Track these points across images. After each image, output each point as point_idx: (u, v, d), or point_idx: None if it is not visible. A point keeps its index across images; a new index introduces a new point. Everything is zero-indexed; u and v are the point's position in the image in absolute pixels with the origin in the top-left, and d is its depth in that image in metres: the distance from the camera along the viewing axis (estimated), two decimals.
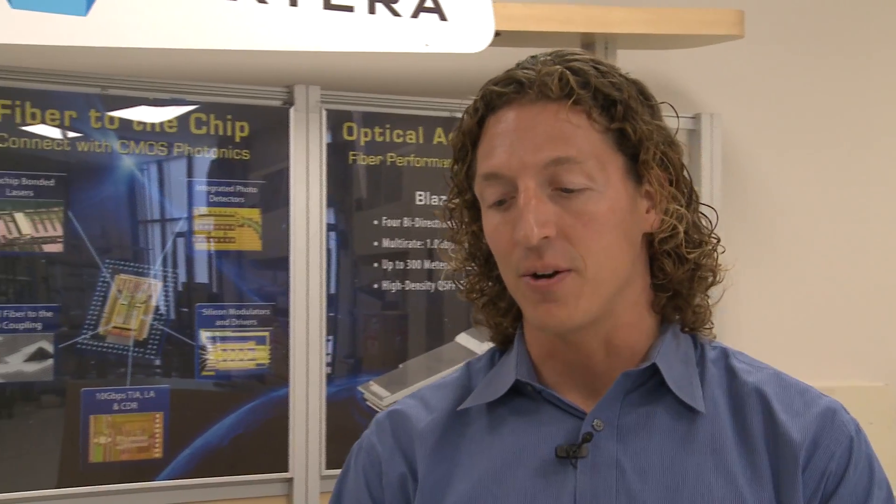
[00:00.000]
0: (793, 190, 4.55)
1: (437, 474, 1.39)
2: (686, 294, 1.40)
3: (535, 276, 1.30)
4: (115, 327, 3.39)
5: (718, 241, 1.41)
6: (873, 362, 4.65)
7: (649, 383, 1.35)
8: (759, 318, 4.42)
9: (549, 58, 1.34)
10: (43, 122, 3.33)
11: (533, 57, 1.36)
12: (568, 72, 1.29)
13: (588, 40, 3.84)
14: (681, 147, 1.39)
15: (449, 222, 1.46)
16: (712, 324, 1.44)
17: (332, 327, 3.69)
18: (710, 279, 1.41)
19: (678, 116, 1.42)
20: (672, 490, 1.30)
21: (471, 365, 1.49)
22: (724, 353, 1.42)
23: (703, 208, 1.43)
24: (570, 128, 1.29)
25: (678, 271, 1.38)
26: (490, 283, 1.44)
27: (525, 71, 1.33)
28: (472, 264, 1.45)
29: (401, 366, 3.78)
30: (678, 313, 1.41)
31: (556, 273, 1.29)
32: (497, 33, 3.49)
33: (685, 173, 1.38)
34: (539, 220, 1.27)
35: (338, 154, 3.71)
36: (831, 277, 4.60)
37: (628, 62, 3.87)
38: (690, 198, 1.39)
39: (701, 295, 1.41)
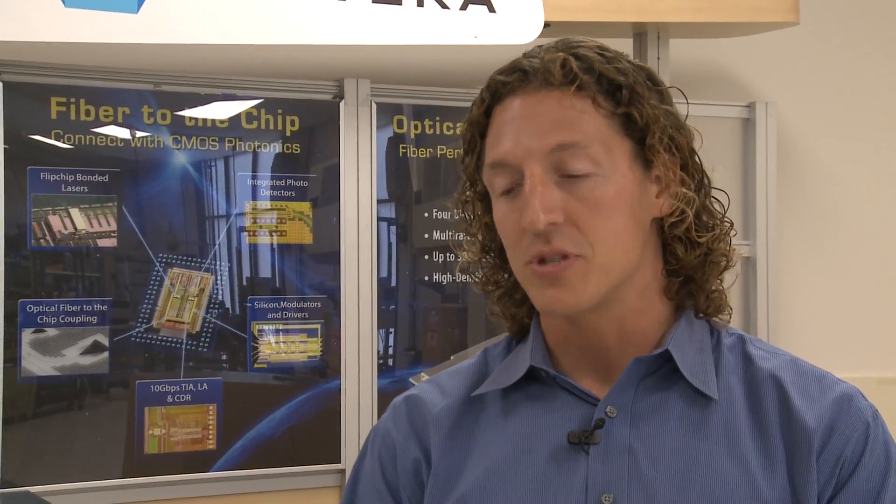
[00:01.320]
0: (850, 180, 4.53)
1: (450, 459, 1.39)
2: (699, 279, 1.39)
3: (542, 261, 1.30)
4: (168, 320, 3.42)
5: (731, 225, 1.40)
6: None
7: (663, 370, 1.35)
8: (817, 309, 4.42)
9: (553, 45, 1.35)
10: (97, 118, 3.36)
11: (539, 46, 1.36)
12: (571, 58, 1.30)
13: (639, 29, 3.86)
14: (690, 131, 1.38)
15: (462, 215, 1.46)
16: (731, 309, 1.43)
17: (391, 320, 3.73)
18: (724, 263, 1.40)
19: (687, 102, 1.40)
20: (684, 476, 1.29)
21: (488, 351, 1.49)
22: (741, 340, 1.41)
23: (716, 193, 1.42)
24: (575, 113, 1.30)
25: (690, 256, 1.37)
26: (505, 275, 1.44)
27: (529, 60, 1.33)
28: (487, 256, 1.45)
29: (452, 357, 3.77)
30: (691, 299, 1.40)
31: (563, 258, 1.29)
32: (546, 24, 3.51)
33: (696, 158, 1.38)
34: (545, 206, 1.27)
35: (390, 147, 3.72)
36: (888, 265, 4.58)
37: (681, 51, 3.93)
38: (702, 182, 1.38)
39: (715, 280, 1.40)
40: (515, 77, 1.32)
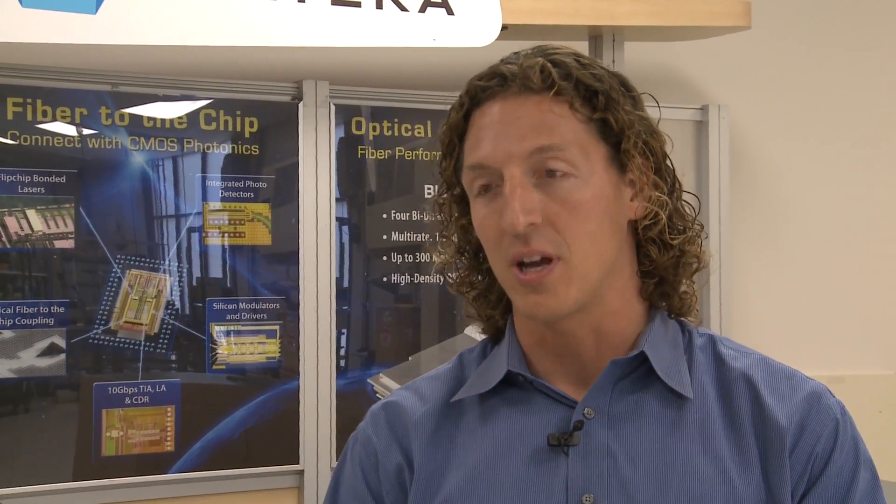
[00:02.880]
0: (801, 180, 4.57)
1: (433, 464, 1.40)
2: (672, 280, 1.40)
3: (522, 266, 1.31)
4: (126, 322, 3.41)
5: (702, 227, 1.42)
6: (883, 351, 4.67)
7: (638, 371, 1.36)
8: (769, 307, 4.46)
9: (531, 52, 1.36)
10: (54, 119, 3.35)
11: (516, 52, 1.37)
12: (550, 64, 1.31)
13: (595, 33, 3.88)
14: (663, 137, 1.40)
15: (438, 216, 1.47)
16: (698, 310, 1.45)
17: (344, 320, 3.73)
18: (695, 265, 1.41)
19: (658, 106, 1.42)
20: (662, 475, 1.31)
21: (463, 356, 1.49)
22: (712, 340, 1.43)
23: (687, 197, 1.44)
24: (553, 117, 1.30)
25: (663, 258, 1.38)
26: (480, 277, 1.45)
27: (508, 65, 1.34)
28: (462, 258, 1.46)
29: (410, 358, 3.79)
30: (665, 300, 1.41)
31: (543, 261, 1.30)
32: (504, 27, 3.51)
33: (668, 162, 1.39)
34: (525, 208, 1.28)
35: (347, 149, 3.73)
36: (840, 267, 4.61)
37: (636, 54, 3.93)
38: (673, 186, 1.40)
39: (687, 281, 1.41)
40: (495, 82, 1.33)
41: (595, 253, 1.32)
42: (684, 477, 1.31)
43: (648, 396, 1.36)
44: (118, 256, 3.41)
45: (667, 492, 1.30)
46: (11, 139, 3.30)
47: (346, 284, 3.72)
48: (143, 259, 3.46)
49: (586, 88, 1.32)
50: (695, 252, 1.41)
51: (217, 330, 3.53)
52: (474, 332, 3.65)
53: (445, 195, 1.45)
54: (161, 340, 3.47)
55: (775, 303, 4.48)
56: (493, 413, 1.41)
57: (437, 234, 1.50)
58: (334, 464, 3.47)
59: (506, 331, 1.44)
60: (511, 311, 1.45)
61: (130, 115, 3.45)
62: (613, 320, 1.38)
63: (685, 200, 1.42)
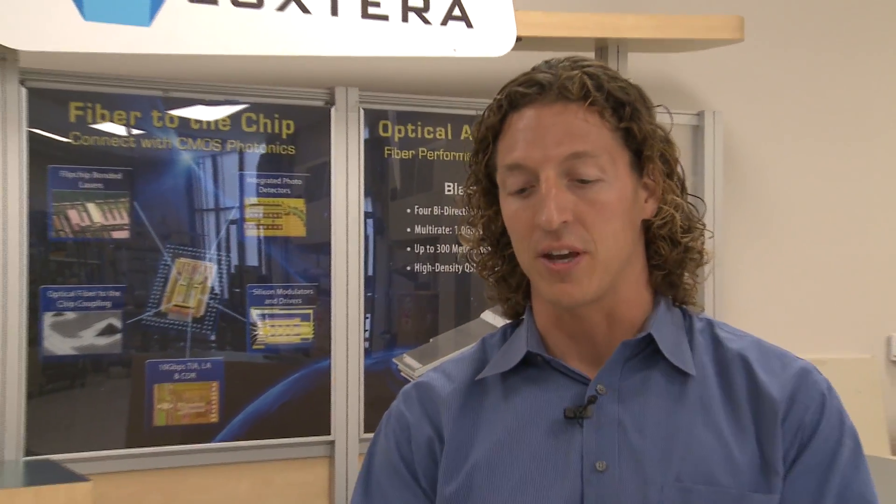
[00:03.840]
0: (789, 180, 4.58)
1: (461, 436, 1.41)
2: (678, 273, 1.41)
3: (550, 257, 1.32)
4: (175, 305, 3.45)
5: (705, 227, 1.43)
6: (861, 336, 4.70)
7: (646, 351, 1.37)
8: (758, 296, 4.46)
9: (566, 63, 1.36)
10: (111, 121, 3.38)
11: (547, 62, 1.38)
12: (586, 76, 1.32)
13: (601, 45, 3.90)
14: (676, 145, 1.41)
15: (466, 207, 1.46)
16: (698, 300, 1.46)
17: (370, 306, 3.73)
18: (698, 260, 1.42)
19: (670, 114, 1.45)
20: (667, 444, 1.32)
21: (486, 340, 1.50)
22: (710, 324, 1.44)
23: (693, 199, 1.46)
24: (587, 126, 1.31)
25: (672, 253, 1.39)
26: (501, 262, 1.45)
27: (544, 74, 1.35)
28: (486, 245, 1.46)
29: (431, 340, 3.80)
30: (671, 290, 1.42)
31: (570, 254, 1.31)
32: (518, 39, 3.56)
33: (679, 168, 1.41)
34: (559, 207, 1.29)
35: (374, 149, 3.75)
36: (823, 260, 4.63)
37: (638, 64, 3.95)
38: (683, 189, 1.42)
39: (690, 274, 1.43)
40: (534, 90, 1.34)
41: (616, 248, 1.34)
42: (687, 445, 1.32)
43: (655, 374, 1.37)
44: (167, 246, 3.46)
45: (671, 458, 1.32)
46: (73, 139, 3.33)
47: (371, 273, 3.74)
48: (189, 248, 3.49)
49: (615, 100, 1.33)
50: (699, 248, 1.42)
51: (256, 313, 3.56)
52: (490, 317, 3.79)
53: (474, 188, 1.45)
54: (206, 322, 3.50)
55: (764, 292, 4.49)
56: (514, 390, 1.42)
57: (466, 223, 1.50)
58: (363, 435, 3.59)
59: (525, 315, 1.45)
60: (529, 297, 1.46)
61: (179, 117, 3.48)
62: (625, 306, 1.39)
63: (691, 203, 1.43)
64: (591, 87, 1.31)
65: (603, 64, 1.39)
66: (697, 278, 1.45)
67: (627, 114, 1.33)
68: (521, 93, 1.34)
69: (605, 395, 1.35)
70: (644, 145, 1.34)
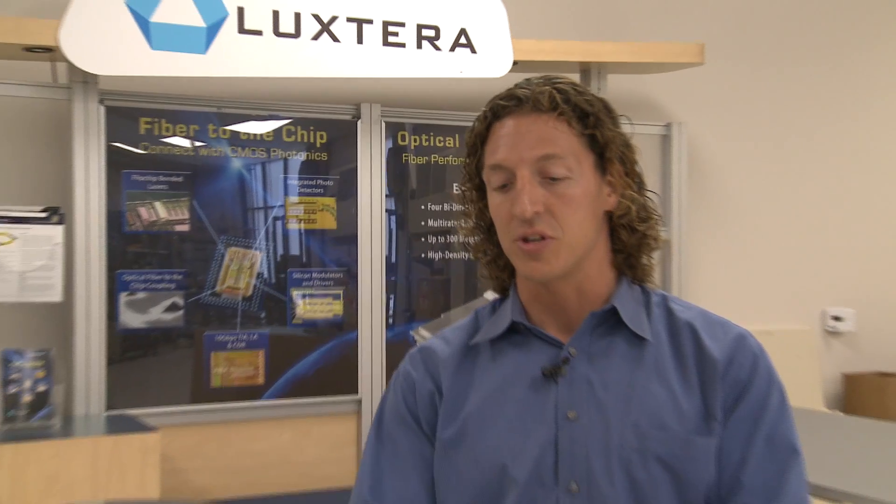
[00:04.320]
0: (743, 180, 4.61)
1: (456, 390, 1.41)
2: (636, 255, 1.41)
3: (525, 240, 1.32)
4: (227, 287, 3.51)
5: (660, 217, 1.42)
6: (801, 311, 4.72)
7: (610, 321, 1.37)
8: (717, 278, 4.47)
9: (540, 80, 1.36)
10: (174, 134, 3.45)
11: (527, 80, 1.37)
12: (555, 91, 1.32)
13: (585, 67, 3.93)
14: (635, 148, 1.40)
15: (461, 202, 1.46)
16: (653, 278, 1.45)
17: (392, 287, 3.76)
18: (654, 244, 1.41)
19: (632, 124, 1.44)
20: (626, 397, 1.33)
21: (478, 312, 1.49)
22: (664, 298, 1.44)
23: (650, 194, 1.44)
24: (556, 132, 1.31)
25: (631, 239, 1.39)
26: (491, 247, 1.44)
27: (522, 90, 1.34)
28: (478, 233, 1.45)
29: (442, 315, 3.84)
30: (631, 270, 1.42)
31: (541, 238, 1.31)
32: (515, 62, 3.60)
33: (637, 168, 1.40)
34: (532, 200, 1.30)
35: (394, 156, 3.79)
36: (770, 247, 4.65)
37: (615, 83, 4.00)
38: (641, 185, 1.41)
39: (647, 256, 1.42)
40: (513, 102, 1.34)
41: (580, 234, 1.33)
42: (643, 398, 1.32)
43: (617, 339, 1.37)
44: (221, 237, 3.50)
45: (630, 408, 1.32)
46: (143, 149, 3.40)
47: (393, 260, 3.76)
48: (239, 239, 3.53)
49: (581, 111, 1.32)
50: (654, 235, 1.41)
51: (295, 293, 3.60)
52: (491, 295, 3.83)
53: (467, 185, 1.44)
54: (253, 301, 3.54)
55: (721, 274, 4.50)
56: (501, 352, 1.41)
57: (462, 216, 1.49)
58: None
59: (510, 291, 1.44)
60: (514, 276, 1.45)
61: (231, 130, 3.52)
62: (592, 283, 1.39)
63: (648, 197, 1.42)
64: (559, 100, 1.32)
65: (573, 81, 1.38)
66: (654, 260, 1.44)
67: (591, 122, 1.33)
68: (502, 105, 1.35)
69: (576, 357, 1.36)
70: (606, 149, 1.34)
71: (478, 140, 1.39)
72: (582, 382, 1.34)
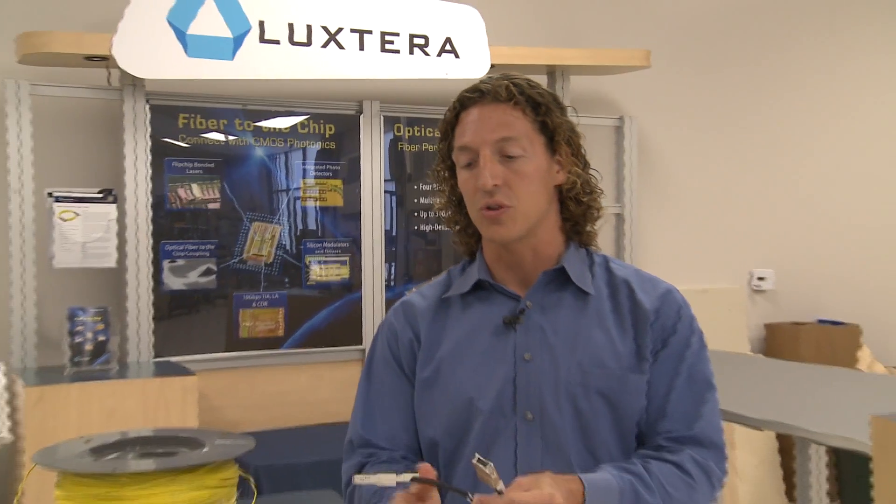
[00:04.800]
0: (683, 163, 4.62)
1: (431, 336, 1.40)
2: (582, 223, 1.41)
3: (488, 208, 1.33)
4: (253, 255, 3.54)
5: (601, 191, 1.42)
6: (732, 272, 4.73)
7: (560, 278, 1.38)
8: (662, 245, 4.49)
9: (499, 76, 1.35)
10: (207, 127, 3.48)
11: (489, 76, 1.37)
12: (512, 85, 1.33)
13: (551, 70, 3.95)
14: (580, 133, 1.39)
15: (435, 180, 1.46)
16: (598, 243, 1.45)
17: (391, 256, 3.77)
18: (597, 214, 1.41)
19: (577, 115, 1.42)
20: (572, 341, 1.34)
21: (451, 271, 1.49)
22: (605, 259, 1.43)
23: (594, 173, 1.44)
24: (512, 119, 1.32)
25: (577, 209, 1.39)
26: (461, 217, 1.44)
27: (484, 84, 1.35)
28: (451, 206, 1.45)
29: (433, 278, 3.82)
30: (577, 236, 1.42)
31: (500, 207, 1.32)
32: (492, 65, 3.62)
33: (582, 149, 1.39)
34: (492, 175, 1.30)
35: (392, 145, 3.79)
36: (706, 219, 4.66)
37: (577, 83, 4.03)
38: (586, 164, 1.40)
39: (591, 224, 1.42)
40: (476, 94, 1.35)
41: (533, 203, 1.33)
42: (586, 341, 1.33)
43: (566, 294, 1.37)
44: (247, 213, 3.53)
45: (575, 350, 1.33)
46: (181, 141, 3.43)
47: (394, 233, 3.79)
48: (263, 215, 3.55)
49: (533, 101, 1.33)
50: (597, 206, 1.41)
51: (309, 260, 3.63)
52: None
53: (440, 165, 1.43)
54: (274, 266, 3.56)
55: (665, 242, 4.51)
56: (469, 305, 1.40)
57: (437, 192, 1.48)
58: None
59: (477, 254, 1.43)
60: (480, 241, 1.44)
61: (255, 125, 3.54)
62: (545, 246, 1.38)
63: (591, 174, 1.41)
64: (515, 92, 1.32)
65: (527, 78, 1.37)
66: (597, 228, 1.43)
67: (542, 111, 1.33)
68: (468, 97, 1.36)
69: (531, 309, 1.36)
70: (555, 133, 1.34)
71: (448, 127, 1.39)
72: (536, 329, 1.34)
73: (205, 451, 1.39)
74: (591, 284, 1.38)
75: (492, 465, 1.14)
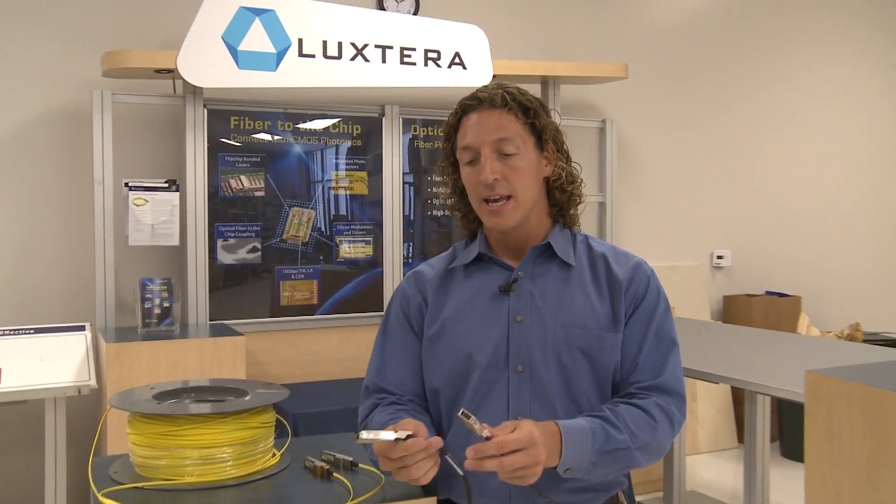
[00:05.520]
0: (655, 159, 4.60)
1: (438, 301, 1.39)
2: (566, 208, 1.40)
3: (488, 201, 1.32)
4: (292, 235, 3.53)
5: (582, 181, 1.41)
6: (696, 251, 4.72)
7: (547, 252, 1.37)
8: (637, 228, 4.48)
9: (495, 86, 1.34)
10: (254, 128, 3.47)
11: (485, 86, 1.37)
12: (505, 93, 1.32)
13: (544, 80, 3.90)
14: (563, 132, 1.38)
15: (441, 174, 1.45)
16: (580, 224, 1.44)
17: (409, 237, 3.75)
18: (578, 200, 1.41)
19: (560, 115, 1.41)
20: (557, 305, 1.33)
21: (456, 247, 1.48)
22: (585, 237, 1.42)
23: (574, 165, 1.43)
24: (507, 122, 1.31)
25: (562, 197, 1.38)
26: (463, 206, 1.43)
27: (482, 93, 1.34)
28: (454, 195, 1.44)
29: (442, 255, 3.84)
30: (562, 219, 1.41)
31: (500, 199, 1.31)
32: (494, 76, 3.60)
33: (565, 146, 1.38)
34: (492, 170, 1.30)
35: (410, 143, 3.76)
36: (675, 206, 4.66)
37: (566, 91, 4.00)
38: (568, 159, 1.39)
39: (574, 209, 1.41)
40: (475, 102, 1.34)
41: (528, 195, 1.33)
42: (570, 305, 1.32)
43: (552, 266, 1.36)
44: (287, 200, 3.51)
45: (559, 313, 1.31)
46: (232, 139, 3.42)
47: (411, 218, 3.76)
48: (300, 202, 3.53)
49: (523, 107, 1.32)
50: (578, 193, 1.40)
51: (340, 240, 3.61)
52: None
53: (444, 162, 1.42)
54: (310, 245, 3.54)
55: (640, 226, 4.49)
56: (470, 274, 1.39)
57: (443, 185, 1.46)
58: None
59: (478, 234, 1.42)
60: (481, 225, 1.43)
61: (294, 126, 3.52)
62: (535, 228, 1.38)
63: (573, 167, 1.41)
64: (508, 99, 1.31)
65: (518, 86, 1.36)
66: (579, 212, 1.43)
67: (531, 115, 1.33)
68: (468, 104, 1.34)
69: (522, 278, 1.35)
70: (542, 132, 1.34)
71: (451, 129, 1.37)
72: (526, 295, 1.33)
73: (248, 398, 1.42)
74: (573, 258, 1.36)
75: (474, 417, 1.13)
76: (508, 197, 1.30)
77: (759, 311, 4.52)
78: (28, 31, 3.33)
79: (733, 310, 4.62)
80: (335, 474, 1.34)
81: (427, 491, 1.25)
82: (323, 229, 3.62)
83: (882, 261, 5.26)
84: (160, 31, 3.49)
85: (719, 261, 4.79)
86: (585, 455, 1.21)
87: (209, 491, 1.28)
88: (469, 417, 1.12)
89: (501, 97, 1.31)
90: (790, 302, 4.63)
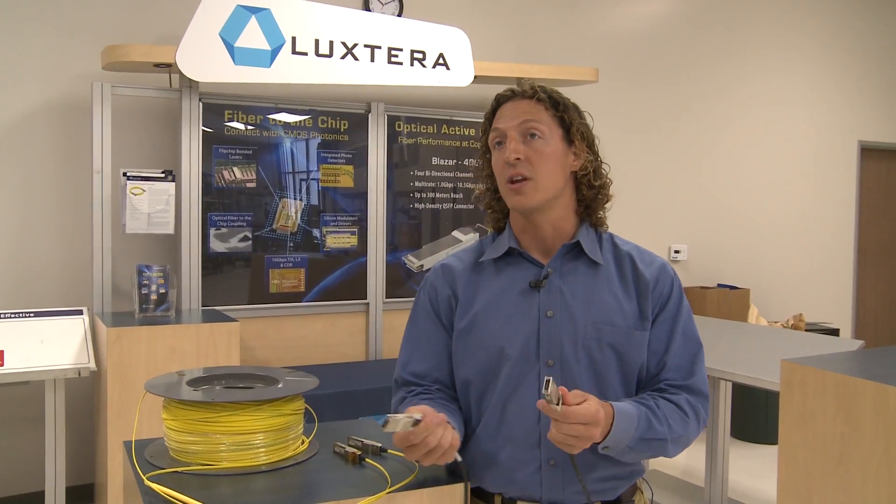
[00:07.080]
0: (623, 159, 4.60)
1: (468, 294, 1.36)
2: (593, 206, 1.37)
3: (512, 181, 1.31)
4: (280, 225, 3.51)
5: (611, 181, 1.39)
6: (655, 246, 4.72)
7: (575, 250, 1.34)
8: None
9: (527, 82, 1.35)
10: (245, 121, 3.45)
11: (520, 80, 1.36)
12: (538, 87, 1.33)
13: (519, 81, 3.86)
14: (592, 132, 1.38)
15: (480, 166, 1.42)
16: (607, 226, 1.41)
17: (391, 228, 3.75)
18: (606, 200, 1.38)
19: (592, 118, 1.39)
20: (587, 302, 1.30)
21: (483, 241, 1.43)
22: (611, 236, 1.39)
23: (604, 165, 1.40)
24: (535, 109, 1.30)
25: (589, 193, 1.35)
26: (494, 200, 1.41)
27: (515, 87, 1.35)
28: (487, 193, 1.41)
29: (424, 246, 3.84)
30: (589, 217, 1.37)
31: (522, 179, 1.30)
32: (475, 76, 3.62)
33: (594, 143, 1.37)
34: (515, 150, 1.28)
35: (393, 138, 3.75)
36: (638, 204, 4.71)
37: None
38: (597, 157, 1.37)
39: (601, 209, 1.38)
40: (509, 94, 1.34)
41: (549, 179, 1.30)
42: (598, 303, 1.30)
43: (580, 263, 1.33)
44: (276, 191, 3.48)
45: (589, 310, 1.29)
46: (225, 131, 3.39)
47: (391, 209, 3.74)
48: (289, 193, 3.51)
49: (553, 100, 1.32)
50: (606, 191, 1.37)
51: (325, 230, 3.59)
52: (457, 234, 3.79)
53: (482, 158, 1.40)
54: (297, 235, 3.52)
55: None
56: (500, 269, 1.36)
57: (476, 178, 1.42)
58: (385, 300, 3.61)
59: (506, 228, 1.39)
60: (507, 218, 1.39)
61: (283, 120, 3.50)
62: (562, 223, 1.34)
63: (602, 165, 1.38)
64: (538, 90, 1.31)
65: (552, 88, 1.37)
66: (606, 211, 1.40)
67: (560, 108, 1.32)
68: (503, 96, 1.35)
69: (552, 274, 1.32)
70: (571, 126, 1.32)
71: (487, 122, 1.37)
72: (556, 291, 1.30)
73: (280, 385, 1.42)
74: (600, 256, 1.34)
75: (553, 387, 1.12)
76: (530, 179, 1.29)
77: (712, 302, 4.59)
78: (32, 25, 3.30)
79: (689, 300, 4.69)
80: (367, 460, 1.35)
81: (458, 477, 1.26)
82: (310, 220, 3.60)
83: (822, 257, 5.39)
84: (157, 27, 3.45)
85: (676, 255, 4.83)
86: (627, 439, 1.22)
87: (243, 476, 1.27)
88: (548, 389, 1.11)
89: (532, 89, 1.32)
90: (740, 294, 4.72)
